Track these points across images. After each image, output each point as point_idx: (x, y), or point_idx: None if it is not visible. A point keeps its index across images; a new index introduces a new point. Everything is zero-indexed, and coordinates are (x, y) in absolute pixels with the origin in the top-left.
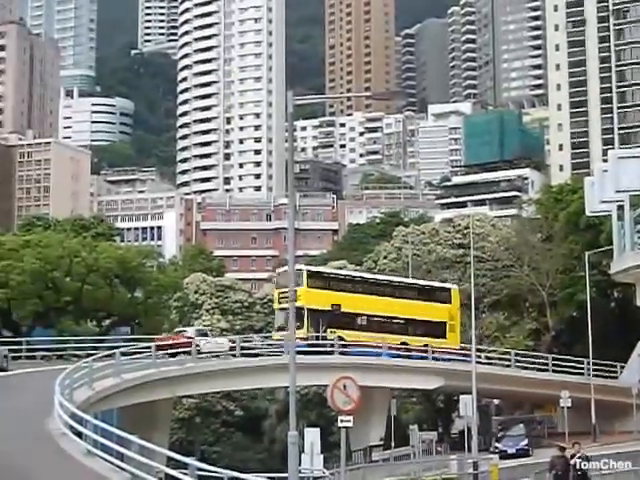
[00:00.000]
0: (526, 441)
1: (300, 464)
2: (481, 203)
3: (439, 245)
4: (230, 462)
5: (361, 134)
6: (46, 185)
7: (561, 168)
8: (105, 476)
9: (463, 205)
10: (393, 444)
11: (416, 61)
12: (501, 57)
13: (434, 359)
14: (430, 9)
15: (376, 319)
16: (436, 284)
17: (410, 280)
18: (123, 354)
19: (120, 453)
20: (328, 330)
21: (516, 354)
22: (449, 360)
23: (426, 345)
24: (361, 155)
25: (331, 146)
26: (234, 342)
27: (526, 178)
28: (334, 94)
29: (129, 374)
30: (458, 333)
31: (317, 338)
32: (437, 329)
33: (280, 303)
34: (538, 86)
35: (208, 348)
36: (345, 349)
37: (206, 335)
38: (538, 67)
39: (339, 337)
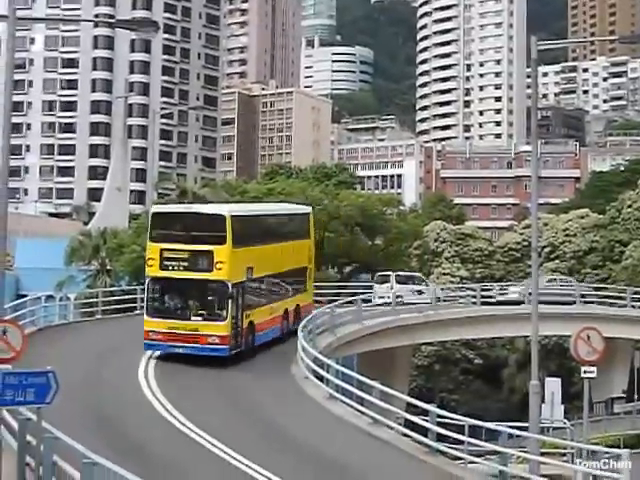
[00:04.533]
0: None
1: (540, 414)
2: None
3: None
4: (469, 410)
5: (605, 79)
6: (288, 134)
7: None
8: (346, 420)
9: None
10: (636, 397)
11: None
12: None
13: None
14: None
15: (270, 281)
16: (293, 208)
17: (275, 206)
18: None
19: (360, 398)
20: (243, 315)
21: None
22: None
23: (297, 307)
24: (605, 101)
25: (573, 92)
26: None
27: None
28: (577, 38)
29: (370, 320)
30: (312, 281)
31: (237, 333)
32: (301, 281)
33: (165, 269)
34: None
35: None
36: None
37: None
38: None
39: (250, 323)
